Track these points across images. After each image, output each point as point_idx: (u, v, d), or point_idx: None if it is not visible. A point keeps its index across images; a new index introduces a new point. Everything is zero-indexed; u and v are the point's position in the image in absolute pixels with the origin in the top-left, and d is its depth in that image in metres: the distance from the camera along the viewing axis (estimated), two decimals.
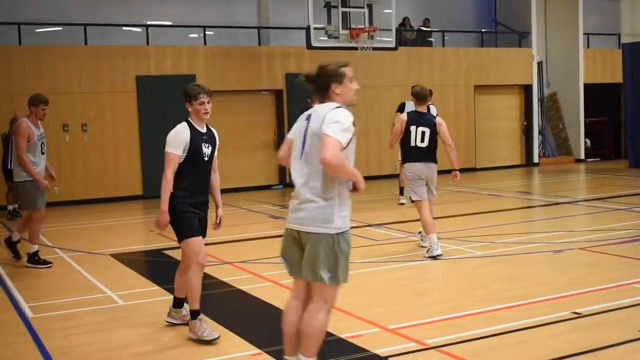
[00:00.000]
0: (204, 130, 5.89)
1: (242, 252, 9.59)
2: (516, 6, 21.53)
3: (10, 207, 13.61)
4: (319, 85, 4.55)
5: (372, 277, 8.16)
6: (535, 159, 21.48)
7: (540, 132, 21.84)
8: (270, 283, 7.86)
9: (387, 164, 18.56)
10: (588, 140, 22.48)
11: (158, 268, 9.27)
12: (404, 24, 19.71)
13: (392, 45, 16.51)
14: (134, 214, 14.33)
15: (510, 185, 17.03)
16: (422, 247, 9.40)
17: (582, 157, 22.10)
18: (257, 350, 5.66)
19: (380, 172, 18.55)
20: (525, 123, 21.48)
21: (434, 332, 5.89)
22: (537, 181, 18.38)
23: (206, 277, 7.71)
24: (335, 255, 4.44)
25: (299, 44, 16.89)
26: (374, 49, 16.07)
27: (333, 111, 4.42)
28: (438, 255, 8.76)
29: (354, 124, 4.42)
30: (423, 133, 9.02)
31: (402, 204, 13.71)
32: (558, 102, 22.35)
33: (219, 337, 5.79)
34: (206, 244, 6.07)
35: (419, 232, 9.60)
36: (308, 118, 4.58)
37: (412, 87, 9.62)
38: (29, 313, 6.97)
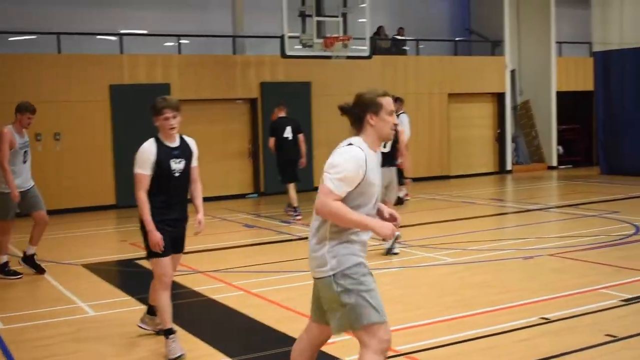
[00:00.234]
0: (175, 144, 5.71)
1: (215, 261, 9.60)
2: (489, 15, 21.77)
3: None
4: (354, 115, 4.17)
5: None
6: (509, 167, 21.68)
7: (513, 140, 22.03)
8: (242, 292, 7.88)
9: None
10: (561, 148, 22.74)
11: (130, 278, 9.26)
12: (378, 32, 19.81)
13: (367, 54, 16.55)
14: (107, 224, 14.28)
15: (483, 192, 17.18)
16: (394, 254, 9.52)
17: (555, 164, 22.33)
18: (228, 359, 5.68)
19: None
20: (498, 131, 21.67)
21: (404, 339, 5.94)
22: (510, 188, 18.56)
23: (178, 286, 7.76)
24: (338, 297, 4.07)
25: (273, 53, 16.92)
26: (348, 57, 16.14)
27: (339, 150, 4.11)
28: (394, 253, 9.44)
29: (366, 163, 4.02)
30: None
31: None
32: (531, 110, 22.57)
33: (180, 356, 5.69)
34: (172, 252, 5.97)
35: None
36: None
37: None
38: None
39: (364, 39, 16.48)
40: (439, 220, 12.58)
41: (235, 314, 7.02)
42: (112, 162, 16.09)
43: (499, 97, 21.58)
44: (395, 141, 9.58)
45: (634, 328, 6.10)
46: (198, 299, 7.62)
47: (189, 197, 5.98)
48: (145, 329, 6.32)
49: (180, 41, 17.75)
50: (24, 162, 8.77)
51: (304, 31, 15.73)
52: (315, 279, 4.21)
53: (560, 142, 22.58)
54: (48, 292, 8.28)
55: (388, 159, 9.39)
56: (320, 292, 4.20)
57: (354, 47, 16.41)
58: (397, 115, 13.33)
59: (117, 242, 12.15)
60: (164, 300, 5.78)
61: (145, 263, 9.28)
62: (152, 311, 6.24)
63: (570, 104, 22.76)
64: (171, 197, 5.74)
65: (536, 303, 7.00)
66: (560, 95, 22.25)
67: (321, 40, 15.71)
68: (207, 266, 9.22)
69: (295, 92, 17.81)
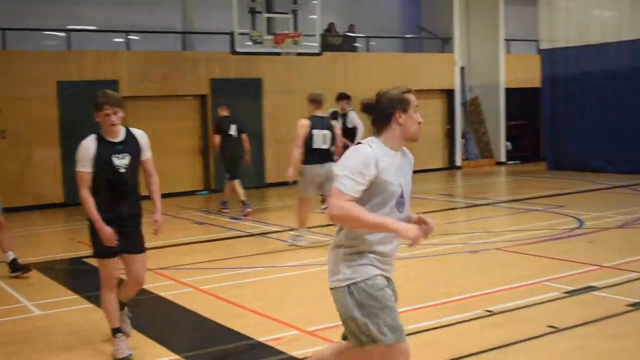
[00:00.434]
0: (118, 139, 5.55)
1: (164, 259, 9.55)
2: (439, 13, 22.03)
3: None
4: (381, 113, 3.91)
5: (292, 280, 8.28)
6: (458, 162, 22.00)
7: (463, 136, 22.35)
8: (191, 289, 7.88)
9: None
10: (509, 144, 23.14)
11: (78, 276, 9.17)
12: (329, 30, 19.91)
13: (317, 50, 16.57)
14: (55, 222, 14.10)
15: (433, 187, 17.38)
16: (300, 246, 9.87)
17: (503, 159, 22.71)
18: (177, 357, 5.68)
19: None
20: (448, 127, 21.94)
21: None
22: (459, 184, 18.84)
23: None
24: (349, 310, 3.82)
25: (223, 49, 16.87)
26: (299, 54, 16.16)
27: (350, 150, 3.86)
28: (302, 245, 9.76)
29: (376, 166, 3.77)
30: (324, 136, 9.84)
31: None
32: (480, 106, 22.91)
33: (127, 356, 5.65)
34: (121, 251, 5.79)
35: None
36: None
37: (309, 93, 10.23)
38: None
39: (314, 35, 16.52)
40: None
41: (183, 310, 7.02)
42: (59, 160, 15.87)
43: (449, 94, 21.87)
44: (332, 137, 9.95)
45: (574, 319, 6.27)
46: (146, 297, 7.56)
47: (146, 193, 5.83)
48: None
49: (129, 37, 17.58)
50: None
51: (254, 28, 15.63)
52: (330, 288, 3.96)
53: (508, 138, 22.98)
54: None
55: (325, 156, 9.80)
56: (335, 302, 3.94)
57: (304, 43, 16.40)
58: (345, 113, 13.43)
59: (65, 240, 12.04)
60: (108, 300, 5.72)
61: (93, 261, 9.19)
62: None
63: (518, 101, 23.16)
64: (117, 193, 5.59)
65: (482, 296, 7.14)
66: (509, 91, 22.63)
67: (271, 37, 15.67)
68: (156, 264, 9.16)
69: (245, 88, 17.81)
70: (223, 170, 14.19)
